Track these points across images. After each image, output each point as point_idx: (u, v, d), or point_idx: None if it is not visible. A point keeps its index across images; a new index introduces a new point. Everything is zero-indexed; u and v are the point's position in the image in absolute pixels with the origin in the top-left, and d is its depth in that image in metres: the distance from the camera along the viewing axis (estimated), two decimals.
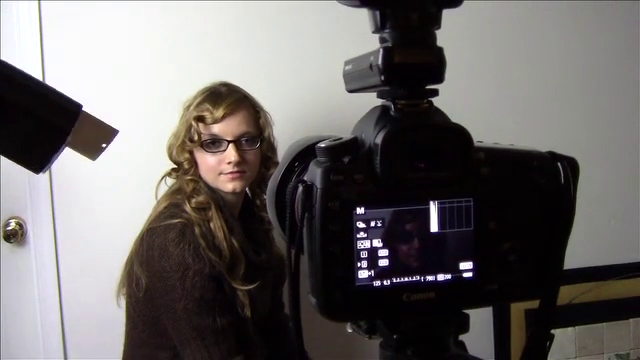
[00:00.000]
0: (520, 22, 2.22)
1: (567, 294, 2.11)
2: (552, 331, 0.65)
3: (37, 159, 0.64)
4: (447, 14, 0.59)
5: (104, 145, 0.65)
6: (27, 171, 2.09)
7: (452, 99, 0.70)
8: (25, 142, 0.62)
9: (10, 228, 1.93)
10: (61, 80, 1.90)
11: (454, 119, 0.60)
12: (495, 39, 2.20)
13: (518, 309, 2.14)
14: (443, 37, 0.60)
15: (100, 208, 1.95)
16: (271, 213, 0.72)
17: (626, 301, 2.25)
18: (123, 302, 1.65)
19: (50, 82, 1.99)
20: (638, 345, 2.27)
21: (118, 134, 0.67)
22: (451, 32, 0.66)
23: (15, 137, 0.61)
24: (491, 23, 2.19)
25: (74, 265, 1.95)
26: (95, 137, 0.64)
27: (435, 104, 0.60)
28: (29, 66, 1.87)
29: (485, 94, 2.19)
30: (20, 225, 1.94)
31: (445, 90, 0.61)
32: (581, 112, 2.29)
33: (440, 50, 0.57)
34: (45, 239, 1.93)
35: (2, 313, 1.91)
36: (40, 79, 1.87)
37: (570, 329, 2.21)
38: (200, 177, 1.60)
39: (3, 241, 1.92)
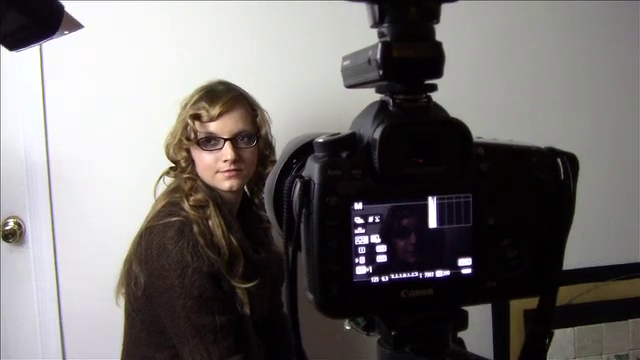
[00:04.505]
0: (520, 19, 2.22)
1: (566, 294, 2.11)
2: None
3: (20, 45, 0.79)
4: (448, 9, 0.59)
5: (66, 32, 0.81)
6: (26, 170, 2.07)
7: (451, 94, 0.70)
8: (19, 32, 0.77)
9: (9, 228, 1.92)
10: (60, 79, 1.90)
11: (453, 114, 0.59)
12: (495, 36, 2.20)
13: (517, 309, 2.14)
14: (443, 32, 0.59)
15: (98, 207, 1.95)
16: (269, 210, 0.72)
17: (625, 302, 2.25)
18: (122, 301, 1.64)
19: (49, 81, 1.99)
20: (637, 346, 2.27)
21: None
22: (451, 27, 0.66)
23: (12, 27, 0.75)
24: (491, 19, 2.19)
25: (73, 264, 1.94)
26: (64, 27, 0.80)
27: (434, 99, 0.59)
28: (28, 65, 1.87)
29: (484, 90, 2.19)
30: (19, 225, 1.93)
31: (444, 85, 0.61)
32: (581, 111, 2.29)
33: (439, 45, 0.57)
34: (44, 239, 1.93)
35: (1, 312, 1.91)
36: (39, 77, 1.88)
37: (569, 329, 2.20)
38: (198, 175, 1.60)
39: (2, 241, 1.92)
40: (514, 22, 2.22)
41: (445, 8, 0.58)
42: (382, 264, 0.58)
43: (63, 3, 0.80)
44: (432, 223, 0.58)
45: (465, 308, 0.62)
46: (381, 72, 0.56)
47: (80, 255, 1.94)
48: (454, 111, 0.59)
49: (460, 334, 0.63)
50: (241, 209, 1.70)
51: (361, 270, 0.57)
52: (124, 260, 1.60)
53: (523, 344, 0.65)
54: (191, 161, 1.61)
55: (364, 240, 0.57)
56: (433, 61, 0.57)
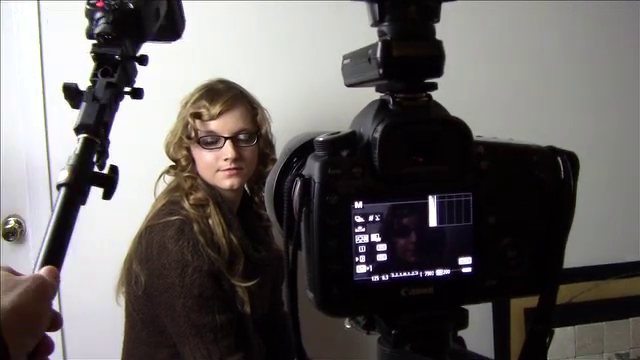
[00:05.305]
0: (520, 18, 2.22)
1: (567, 293, 2.10)
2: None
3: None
4: (448, 8, 0.59)
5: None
6: (27, 169, 2.06)
7: (451, 93, 0.70)
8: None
9: (9, 226, 1.92)
10: (59, 79, 1.90)
11: (453, 113, 0.59)
12: (495, 35, 2.20)
13: (518, 307, 2.14)
14: (444, 31, 0.59)
15: (99, 206, 1.92)
16: (269, 208, 0.72)
17: (626, 300, 2.25)
18: (122, 301, 1.64)
19: (48, 80, 1.97)
20: (638, 344, 2.27)
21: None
22: (452, 26, 0.65)
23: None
24: (491, 19, 2.19)
25: (73, 263, 1.93)
26: None
27: (435, 98, 0.59)
28: (28, 65, 1.86)
29: (485, 89, 2.18)
30: (19, 223, 1.93)
31: (445, 84, 0.60)
32: (581, 111, 2.29)
33: (439, 43, 0.57)
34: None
35: None
36: (39, 76, 1.87)
37: (570, 328, 2.20)
38: (198, 174, 1.60)
39: (2, 239, 1.92)
40: (514, 21, 2.22)
41: (445, 7, 0.58)
42: (382, 263, 0.58)
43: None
44: (432, 222, 0.58)
45: (465, 307, 0.62)
46: (381, 71, 0.56)
47: (80, 253, 1.93)
48: (454, 110, 0.59)
49: (460, 333, 0.64)
50: (241, 208, 1.70)
51: (361, 269, 0.57)
52: (124, 259, 1.60)
53: (524, 343, 0.65)
54: (191, 160, 1.61)
55: (364, 239, 0.57)
56: (433, 60, 0.57)
